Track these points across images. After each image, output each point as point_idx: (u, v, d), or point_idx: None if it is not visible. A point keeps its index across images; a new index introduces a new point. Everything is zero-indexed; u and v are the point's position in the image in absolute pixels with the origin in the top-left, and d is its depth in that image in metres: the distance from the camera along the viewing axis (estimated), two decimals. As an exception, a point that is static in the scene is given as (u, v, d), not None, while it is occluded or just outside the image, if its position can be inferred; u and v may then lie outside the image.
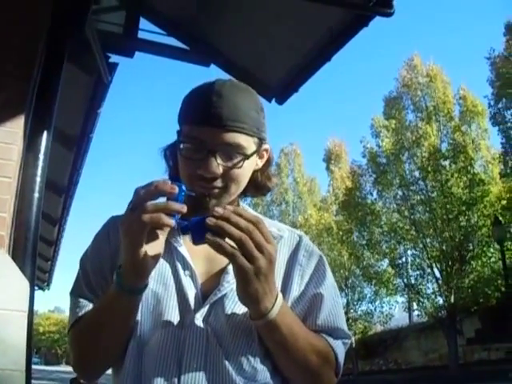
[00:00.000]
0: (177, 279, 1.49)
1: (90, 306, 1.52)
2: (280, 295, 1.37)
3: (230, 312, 1.45)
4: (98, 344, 1.45)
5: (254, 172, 1.59)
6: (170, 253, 1.53)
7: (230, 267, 1.46)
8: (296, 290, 1.55)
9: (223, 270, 1.50)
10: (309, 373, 1.46)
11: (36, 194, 3.16)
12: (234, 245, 1.24)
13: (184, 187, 1.28)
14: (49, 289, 18.41)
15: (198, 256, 1.53)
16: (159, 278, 1.49)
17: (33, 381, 3.01)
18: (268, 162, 1.65)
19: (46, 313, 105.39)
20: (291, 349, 1.40)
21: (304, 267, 1.60)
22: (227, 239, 1.24)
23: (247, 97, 1.50)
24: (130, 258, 1.28)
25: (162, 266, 1.51)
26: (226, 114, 1.42)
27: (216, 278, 1.50)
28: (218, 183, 1.46)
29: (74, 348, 1.53)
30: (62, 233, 11.66)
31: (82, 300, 1.54)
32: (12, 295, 2.73)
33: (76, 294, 1.57)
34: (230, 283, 1.45)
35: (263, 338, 1.42)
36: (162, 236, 1.32)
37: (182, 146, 1.47)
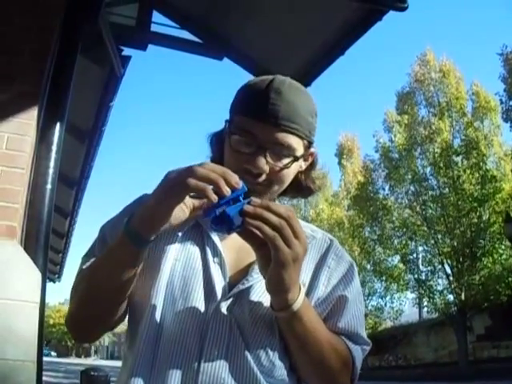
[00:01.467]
0: (205, 265, 1.47)
1: None
2: (302, 288, 1.35)
3: (254, 304, 1.44)
4: (92, 294, 1.43)
5: (298, 173, 1.57)
6: (201, 238, 1.51)
7: None
8: (322, 290, 1.53)
9: (253, 262, 1.48)
10: (326, 373, 1.45)
11: (48, 186, 3.17)
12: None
13: (246, 188, 1.25)
14: (60, 281, 18.52)
15: (228, 246, 1.51)
16: (187, 261, 1.47)
17: (43, 372, 3.02)
18: (311, 165, 1.62)
19: (57, 305, 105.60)
20: (311, 344, 1.39)
21: (332, 270, 1.58)
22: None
23: (305, 99, 1.48)
24: (150, 206, 1.27)
25: (191, 249, 1.50)
26: (283, 113, 1.40)
27: (244, 269, 1.49)
28: (263, 180, 1.45)
29: (71, 298, 1.53)
30: (73, 225, 11.73)
31: (91, 259, 1.53)
32: (24, 286, 2.74)
33: (89, 255, 1.57)
34: (259, 275, 1.42)
35: (284, 331, 1.41)
36: (188, 209, 1.30)
37: (232, 137, 1.45)
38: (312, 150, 1.56)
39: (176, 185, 1.22)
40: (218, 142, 1.60)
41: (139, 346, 1.39)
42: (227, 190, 1.19)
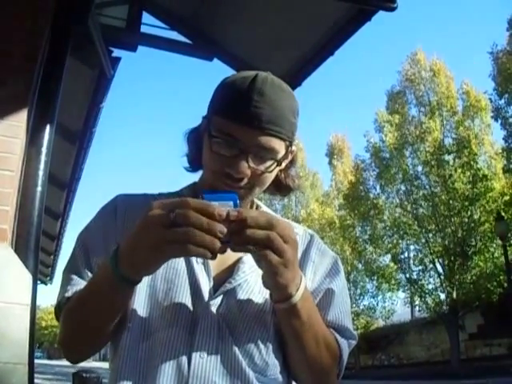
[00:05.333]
0: (189, 266, 1.45)
1: (82, 285, 1.43)
2: (304, 278, 1.32)
3: (243, 303, 1.42)
4: (86, 326, 1.38)
5: (278, 172, 1.54)
6: None
7: (246, 258, 1.45)
8: (308, 285, 1.50)
9: (238, 261, 1.47)
10: (319, 368, 1.43)
11: (39, 188, 3.16)
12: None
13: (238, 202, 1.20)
14: (51, 283, 18.48)
15: None
16: (169, 263, 1.42)
17: (35, 375, 3.01)
18: (291, 163, 1.59)
19: (49, 307, 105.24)
20: (307, 338, 1.36)
21: (317, 264, 1.57)
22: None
23: (288, 99, 1.42)
24: (136, 256, 1.19)
25: None
26: (267, 116, 1.34)
27: (228, 268, 1.47)
28: (244, 184, 1.41)
29: (62, 327, 1.47)
30: (64, 227, 11.68)
31: (75, 277, 1.46)
32: (15, 289, 2.73)
33: (72, 271, 1.49)
34: (245, 273, 1.43)
35: (282, 323, 1.39)
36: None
37: (212, 139, 1.39)
38: (293, 148, 1.52)
39: (166, 249, 1.14)
40: (195, 139, 1.56)
41: (123, 352, 1.37)
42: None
